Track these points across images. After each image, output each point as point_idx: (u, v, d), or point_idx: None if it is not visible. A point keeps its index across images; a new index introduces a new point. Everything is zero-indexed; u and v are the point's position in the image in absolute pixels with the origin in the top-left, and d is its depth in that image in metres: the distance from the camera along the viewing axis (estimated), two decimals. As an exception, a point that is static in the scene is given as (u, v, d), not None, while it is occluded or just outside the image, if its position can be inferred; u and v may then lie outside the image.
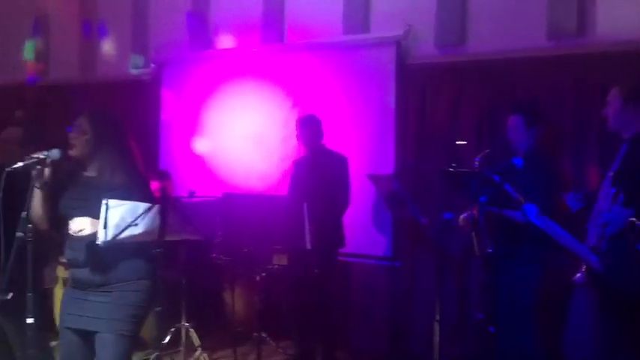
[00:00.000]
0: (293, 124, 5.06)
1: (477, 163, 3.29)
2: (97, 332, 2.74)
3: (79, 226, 2.70)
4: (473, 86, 4.37)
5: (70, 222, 2.75)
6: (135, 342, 2.82)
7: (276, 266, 4.18)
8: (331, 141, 4.48)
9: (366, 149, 4.78)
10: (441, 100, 4.50)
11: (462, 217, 3.43)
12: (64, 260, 4.48)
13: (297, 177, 4.41)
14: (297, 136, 4.41)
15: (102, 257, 2.70)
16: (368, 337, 4.60)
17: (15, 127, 3.70)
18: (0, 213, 2.64)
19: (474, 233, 3.27)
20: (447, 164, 3.61)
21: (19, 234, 2.60)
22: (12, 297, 2.69)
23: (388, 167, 4.64)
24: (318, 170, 4.23)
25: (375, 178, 4.05)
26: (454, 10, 4.46)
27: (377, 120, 4.77)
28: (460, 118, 4.40)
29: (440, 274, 3.62)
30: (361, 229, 4.63)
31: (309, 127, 4.34)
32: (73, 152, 2.78)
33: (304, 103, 5.09)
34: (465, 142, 4.09)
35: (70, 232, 2.73)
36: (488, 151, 3.41)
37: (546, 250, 3.17)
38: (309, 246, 3.66)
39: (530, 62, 4.15)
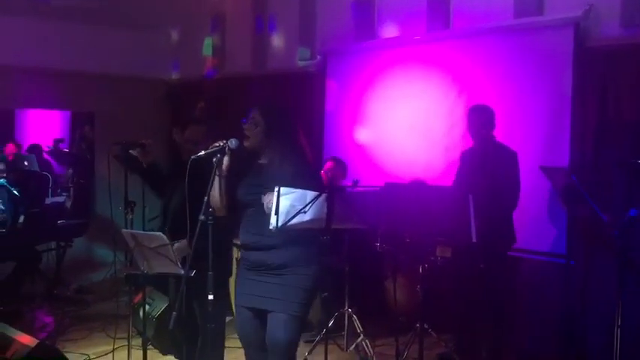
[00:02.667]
0: (458, 114, 4.93)
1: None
2: (270, 311, 2.89)
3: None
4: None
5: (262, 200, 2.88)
6: (304, 323, 2.94)
7: (439, 258, 4.10)
8: (500, 131, 4.28)
9: (538, 140, 4.50)
10: (627, 85, 4.09)
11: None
12: (237, 242, 4.81)
13: (464, 167, 4.28)
14: (466, 126, 4.28)
15: (279, 242, 2.84)
16: (537, 338, 4.35)
17: (198, 126, 3.91)
18: (187, 198, 2.87)
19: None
20: (632, 156, 3.27)
21: (201, 217, 2.81)
22: (195, 274, 2.93)
23: (563, 160, 4.33)
24: (487, 164, 4.07)
25: (548, 171, 3.81)
26: (644, -15, 4.03)
27: (551, 109, 4.47)
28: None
29: (621, 275, 3.30)
30: (532, 223, 4.39)
31: (479, 118, 4.19)
32: (247, 143, 2.94)
33: (471, 91, 4.92)
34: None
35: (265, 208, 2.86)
36: None
37: None
38: (474, 239, 3.53)
39: None
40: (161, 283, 4.01)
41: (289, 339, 2.86)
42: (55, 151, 8.21)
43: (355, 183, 4.57)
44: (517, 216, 4.13)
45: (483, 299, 4.08)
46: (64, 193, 7.10)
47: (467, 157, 4.31)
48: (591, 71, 4.28)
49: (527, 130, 4.55)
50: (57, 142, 8.39)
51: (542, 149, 4.45)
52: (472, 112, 4.25)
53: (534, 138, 4.51)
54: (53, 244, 5.70)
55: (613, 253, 3.40)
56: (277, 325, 2.86)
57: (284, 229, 2.73)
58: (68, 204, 6.80)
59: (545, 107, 4.51)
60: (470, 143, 4.37)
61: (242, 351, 3.09)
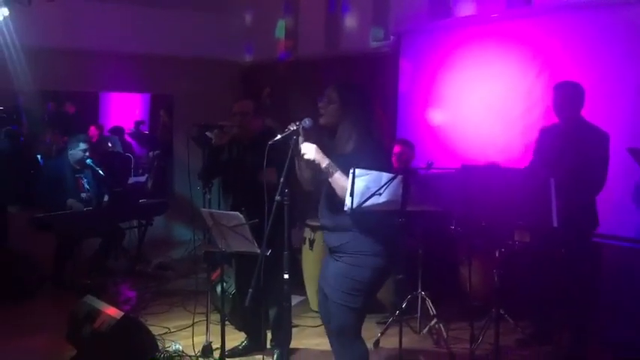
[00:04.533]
0: (537, 94, 4.75)
1: None
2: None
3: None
4: None
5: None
6: (359, 313, 2.89)
7: (517, 242, 4.00)
8: (585, 112, 4.09)
9: (625, 121, 4.27)
10: None
11: None
12: (310, 222, 4.87)
13: (545, 146, 4.10)
14: (552, 103, 4.09)
15: (332, 224, 2.84)
16: (623, 327, 4.18)
17: (247, 100, 4.01)
18: (264, 182, 2.92)
19: None
20: None
21: (277, 198, 2.85)
22: (270, 254, 2.99)
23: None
24: (573, 143, 3.88)
25: (636, 152, 3.61)
26: None
27: (636, 88, 4.22)
28: None
29: None
30: (617, 208, 4.19)
31: (566, 94, 3.98)
32: (322, 120, 2.95)
33: (551, 71, 4.73)
34: None
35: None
36: None
37: None
38: (555, 224, 3.41)
39: None
40: (237, 261, 4.12)
41: (336, 326, 2.87)
42: (137, 133, 8.54)
43: (429, 165, 4.51)
44: (601, 200, 3.95)
45: (565, 285, 3.94)
46: (145, 174, 7.40)
47: (549, 135, 4.10)
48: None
49: (613, 111, 4.33)
50: (138, 124, 8.73)
51: (630, 131, 4.22)
52: (559, 88, 4.05)
53: (621, 119, 4.29)
54: (135, 223, 5.95)
55: None
56: (329, 311, 2.89)
57: (359, 211, 2.73)
58: (149, 184, 7.07)
59: (632, 87, 4.27)
60: (554, 122, 4.19)
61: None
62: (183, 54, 7.10)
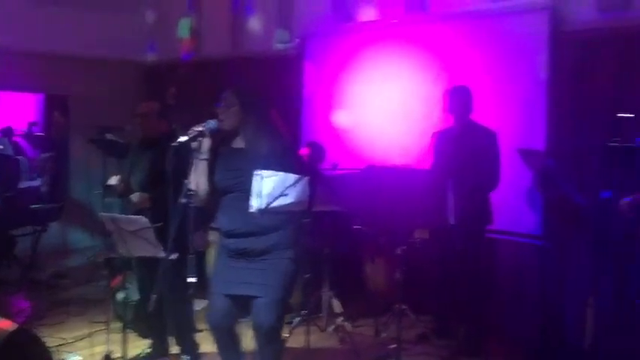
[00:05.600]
0: (436, 97, 4.96)
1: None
2: (253, 297, 2.90)
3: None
4: (640, 54, 3.99)
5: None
6: (287, 307, 2.96)
7: (417, 240, 4.16)
8: (477, 114, 4.32)
9: (514, 123, 4.56)
10: (602, 69, 4.15)
11: (624, 201, 3.14)
12: (215, 226, 4.81)
13: (441, 149, 4.31)
14: (445, 107, 4.30)
15: (260, 228, 2.85)
16: (515, 317, 4.44)
17: (151, 101, 3.96)
18: (170, 184, 2.86)
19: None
20: (608, 139, 3.34)
21: (182, 200, 2.81)
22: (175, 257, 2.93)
23: (538, 143, 4.39)
24: (466, 145, 4.10)
25: (525, 153, 3.86)
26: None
27: (527, 92, 4.53)
28: (624, 90, 4.04)
29: (596, 257, 3.38)
30: (509, 205, 4.46)
31: (459, 99, 4.21)
32: (223, 125, 2.94)
33: (447, 75, 4.96)
34: (631, 115, 3.75)
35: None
36: None
37: None
38: (452, 222, 3.58)
39: None
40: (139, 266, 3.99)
41: (273, 323, 2.87)
42: (29, 135, 8.06)
43: (334, 166, 4.61)
44: (494, 198, 4.19)
45: (462, 280, 4.14)
46: (38, 178, 6.99)
47: (443, 138, 4.32)
48: (568, 55, 4.33)
49: (505, 113, 4.60)
50: (30, 125, 8.24)
51: (519, 132, 4.51)
52: (452, 92, 4.27)
53: (511, 121, 4.57)
54: (28, 229, 5.62)
55: (587, 234, 3.48)
56: (262, 310, 2.87)
57: (266, 212, 2.74)
58: (43, 188, 6.70)
59: (522, 91, 4.56)
60: (447, 125, 4.40)
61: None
62: (81, 53, 6.78)
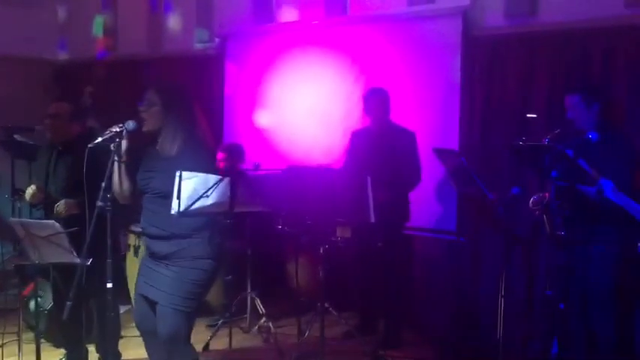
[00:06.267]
0: (356, 98, 5.06)
1: (546, 141, 3.16)
2: (157, 302, 2.85)
3: None
4: (545, 58, 4.22)
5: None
6: (191, 317, 2.88)
7: (339, 238, 4.22)
8: (394, 115, 4.45)
9: (430, 123, 4.72)
10: (510, 72, 4.37)
11: (532, 199, 3.31)
12: (135, 229, 4.69)
13: (358, 148, 4.40)
14: (364, 109, 4.40)
15: (169, 231, 2.79)
16: (432, 311, 4.60)
17: (63, 102, 3.81)
18: (85, 186, 2.77)
19: (545, 216, 3.18)
20: (516, 138, 3.51)
21: (99, 204, 2.72)
22: (92, 262, 2.83)
23: (453, 142, 4.57)
24: (385, 144, 4.21)
25: (440, 152, 4.00)
26: (525, -23, 4.30)
27: (442, 93, 4.70)
28: (530, 92, 4.27)
29: (506, 250, 3.55)
30: (425, 202, 4.61)
31: (377, 100, 4.32)
32: (145, 126, 2.87)
33: (367, 76, 5.06)
34: (535, 116, 3.97)
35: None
36: (558, 131, 3.20)
37: (625, 229, 3.08)
38: (373, 220, 3.66)
39: (606, 32, 3.97)
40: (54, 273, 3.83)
41: (170, 332, 2.79)
42: None
43: (256, 166, 4.60)
44: (411, 195, 4.32)
45: (382, 277, 4.24)
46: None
47: (361, 138, 4.42)
48: (479, 58, 4.53)
49: (420, 114, 4.76)
50: None
51: (434, 132, 4.67)
52: (370, 94, 4.38)
53: (427, 121, 4.72)
54: None
55: (499, 229, 3.65)
56: (160, 318, 2.82)
57: (186, 214, 2.70)
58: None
59: (436, 92, 4.73)
60: (366, 126, 4.50)
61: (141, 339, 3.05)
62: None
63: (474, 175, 3.38)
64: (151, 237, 2.87)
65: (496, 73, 4.46)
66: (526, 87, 4.30)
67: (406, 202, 4.30)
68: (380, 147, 4.22)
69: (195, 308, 2.87)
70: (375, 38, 5.06)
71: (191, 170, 2.68)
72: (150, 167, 2.88)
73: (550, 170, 3.04)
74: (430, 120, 4.74)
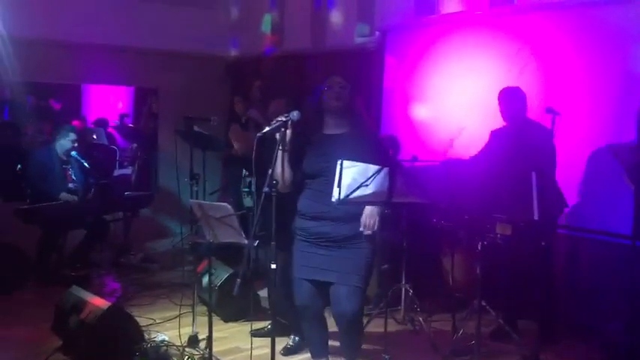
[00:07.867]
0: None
1: None
2: (332, 284, 2.96)
3: None
4: None
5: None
6: (365, 295, 3.01)
7: (499, 235, 4.08)
8: (564, 108, 4.19)
9: (604, 116, 4.38)
10: None
11: None
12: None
13: (495, 148, 4.25)
14: (500, 109, 4.26)
15: (345, 214, 2.90)
16: (601, 317, 4.29)
17: (279, 99, 4.08)
18: (254, 173, 2.97)
19: None
20: None
21: (265, 189, 2.90)
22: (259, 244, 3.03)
23: (630, 137, 4.20)
24: (522, 144, 4.03)
25: (616, 148, 3.72)
26: None
27: (620, 85, 4.34)
28: None
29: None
30: (596, 203, 4.30)
31: (511, 101, 4.21)
32: (338, 103, 3.03)
33: (533, 68, 4.82)
34: None
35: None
36: None
37: None
38: (536, 217, 3.49)
39: None
40: (224, 253, 4.15)
41: (355, 309, 2.93)
42: (121, 126, 8.51)
43: (414, 158, 4.60)
44: (581, 196, 4.06)
45: (543, 277, 4.04)
46: (129, 166, 7.38)
47: (499, 137, 4.29)
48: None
49: (594, 107, 4.44)
50: (122, 117, 8.69)
51: (609, 126, 4.34)
52: (502, 96, 4.28)
53: (601, 114, 4.40)
54: (120, 215, 5.93)
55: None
56: (343, 298, 2.94)
57: (344, 203, 2.79)
58: (134, 177, 7.06)
59: (613, 84, 4.38)
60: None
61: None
62: (168, 48, 7.08)
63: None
64: (324, 219, 2.98)
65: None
66: None
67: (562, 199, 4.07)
68: (517, 146, 4.04)
69: (367, 287, 3.05)
70: (543, 28, 4.79)
71: (366, 158, 2.76)
72: (325, 152, 3.00)
73: None
74: (605, 113, 4.39)
